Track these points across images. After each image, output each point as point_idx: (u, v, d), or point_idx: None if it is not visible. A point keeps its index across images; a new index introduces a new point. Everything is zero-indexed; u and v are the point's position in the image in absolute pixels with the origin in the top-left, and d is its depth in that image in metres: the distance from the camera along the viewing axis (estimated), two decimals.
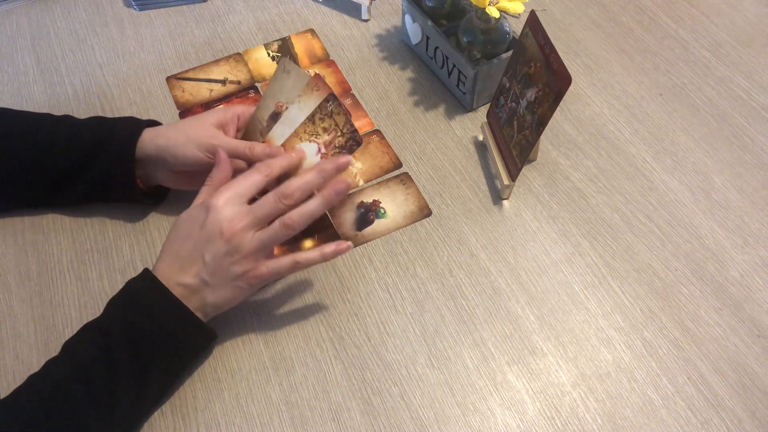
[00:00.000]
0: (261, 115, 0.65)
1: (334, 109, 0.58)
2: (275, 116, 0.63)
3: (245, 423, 0.57)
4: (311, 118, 0.60)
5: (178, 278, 0.55)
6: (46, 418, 0.49)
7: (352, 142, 0.57)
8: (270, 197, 0.56)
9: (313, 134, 0.60)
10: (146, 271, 0.56)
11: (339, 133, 0.58)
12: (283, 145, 0.63)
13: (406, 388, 0.59)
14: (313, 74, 0.61)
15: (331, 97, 0.58)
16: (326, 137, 0.59)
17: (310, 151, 0.60)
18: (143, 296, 0.55)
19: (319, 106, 0.59)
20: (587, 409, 0.58)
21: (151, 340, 0.54)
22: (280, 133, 0.63)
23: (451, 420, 0.57)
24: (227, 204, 0.55)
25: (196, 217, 0.56)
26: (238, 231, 0.54)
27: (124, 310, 0.55)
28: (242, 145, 0.62)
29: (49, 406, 0.50)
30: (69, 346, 0.53)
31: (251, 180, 0.56)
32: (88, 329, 0.54)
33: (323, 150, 0.59)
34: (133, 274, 0.66)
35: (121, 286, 0.65)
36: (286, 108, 0.63)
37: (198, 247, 0.55)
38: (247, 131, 0.66)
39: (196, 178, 0.67)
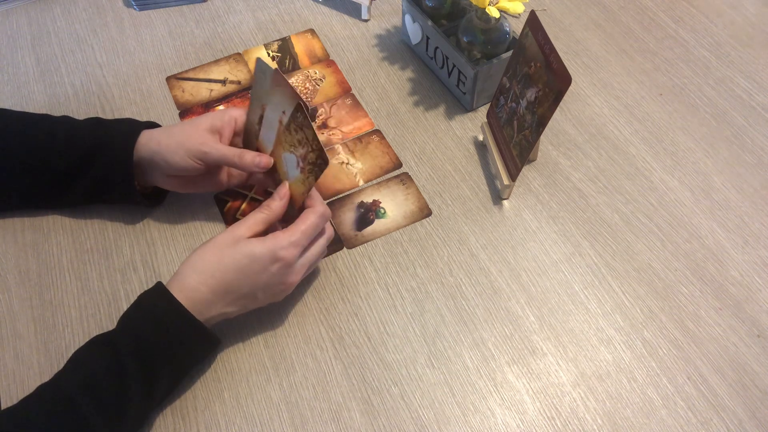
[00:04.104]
0: (252, 119, 0.65)
1: (303, 121, 0.57)
2: (263, 119, 0.63)
3: (245, 423, 0.57)
4: (288, 127, 0.59)
5: (222, 308, 0.57)
6: (56, 429, 0.49)
7: (321, 161, 0.56)
8: (323, 242, 0.60)
9: (291, 144, 0.59)
10: (160, 285, 0.56)
11: (310, 148, 0.57)
12: (272, 152, 0.62)
13: (406, 388, 0.59)
14: (273, 69, 0.60)
15: (300, 107, 0.57)
16: (302, 150, 0.58)
17: (291, 163, 0.60)
18: (159, 314, 0.54)
19: (293, 116, 0.58)
20: (587, 409, 0.58)
21: (160, 353, 0.54)
22: (266, 137, 0.63)
23: (451, 420, 0.57)
24: (297, 258, 0.58)
25: (263, 264, 0.56)
26: (296, 280, 0.59)
27: (137, 325, 0.55)
28: (231, 153, 0.62)
29: (59, 418, 0.49)
30: (79, 358, 0.53)
31: (311, 224, 0.58)
32: (99, 343, 0.54)
33: (301, 163, 0.59)
34: (133, 274, 0.66)
35: (121, 286, 0.65)
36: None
37: (256, 287, 0.57)
38: (246, 135, 0.66)
39: (192, 182, 0.67)
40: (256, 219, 0.58)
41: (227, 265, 0.55)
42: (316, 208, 0.59)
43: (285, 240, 0.56)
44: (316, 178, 0.57)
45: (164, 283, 0.56)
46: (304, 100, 0.59)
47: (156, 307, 0.55)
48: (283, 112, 0.59)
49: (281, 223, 0.61)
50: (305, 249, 0.58)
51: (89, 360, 0.53)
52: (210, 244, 0.57)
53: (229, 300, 0.57)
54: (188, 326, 0.54)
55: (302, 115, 0.56)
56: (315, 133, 0.56)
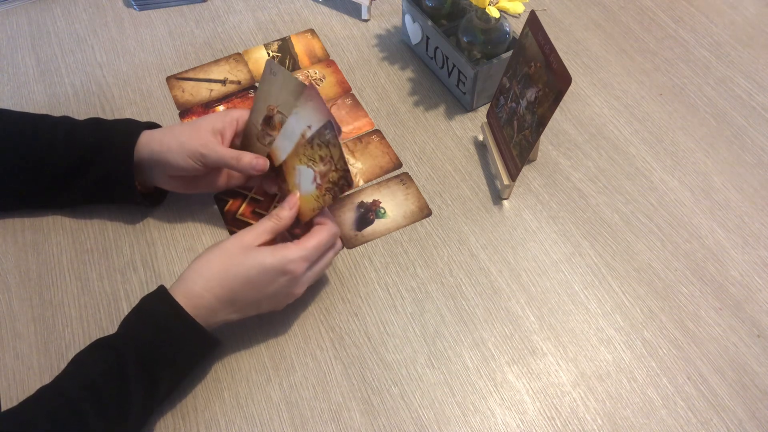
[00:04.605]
0: (255, 119, 0.64)
1: (332, 139, 0.56)
2: (268, 120, 0.63)
3: (245, 423, 0.57)
4: (311, 141, 0.59)
5: (225, 316, 0.56)
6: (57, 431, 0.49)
7: (344, 182, 0.56)
8: (331, 255, 0.60)
9: (311, 159, 0.59)
10: (162, 289, 0.56)
11: (333, 168, 0.57)
12: (284, 161, 0.62)
13: (406, 388, 0.59)
14: (307, 83, 0.59)
15: (329, 125, 0.56)
16: (322, 167, 0.58)
17: (307, 177, 0.60)
18: (161, 318, 0.54)
19: (319, 132, 0.58)
20: (587, 409, 0.58)
21: (162, 356, 0.54)
22: (281, 145, 0.62)
23: (451, 420, 0.57)
24: (305, 272, 0.58)
25: (271, 276, 0.56)
26: (301, 291, 0.59)
27: (139, 330, 0.55)
28: (229, 155, 0.62)
29: (60, 421, 0.49)
30: (80, 361, 0.53)
31: (322, 240, 0.58)
32: (100, 346, 0.54)
33: (318, 180, 0.58)
34: (133, 274, 0.66)
35: (121, 286, 0.65)
36: (278, 112, 0.62)
37: (261, 297, 0.57)
38: (245, 136, 0.66)
39: (192, 183, 0.67)
40: (265, 228, 0.58)
41: (235, 274, 0.55)
42: (329, 226, 0.59)
43: (295, 254, 0.56)
44: (334, 197, 0.57)
45: (167, 286, 0.56)
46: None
47: (158, 311, 0.55)
48: (309, 127, 0.58)
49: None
50: (313, 263, 0.58)
51: (90, 363, 0.53)
52: (217, 250, 0.57)
53: (234, 308, 0.57)
54: (190, 330, 0.54)
55: (331, 133, 0.56)
56: (342, 154, 0.55)
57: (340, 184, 0.56)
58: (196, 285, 0.55)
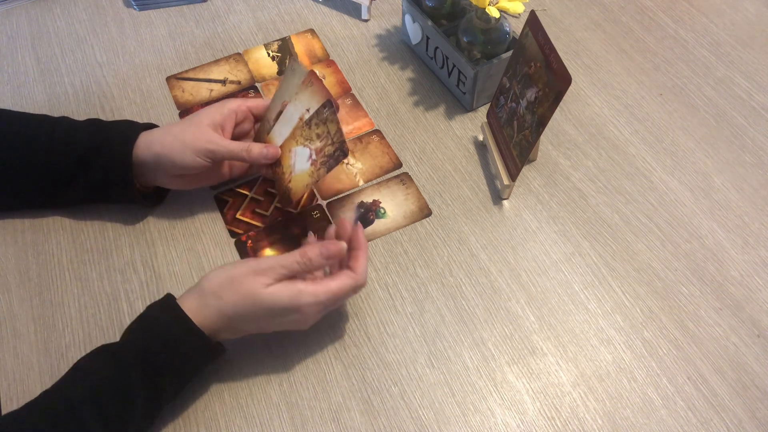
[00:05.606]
0: (269, 116, 0.65)
1: (329, 116, 0.57)
2: (280, 115, 0.64)
3: (245, 423, 0.57)
4: (308, 123, 0.59)
5: (230, 335, 0.56)
6: None
7: (339, 153, 0.56)
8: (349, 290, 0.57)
9: (308, 139, 0.59)
10: (169, 298, 0.55)
11: (329, 141, 0.57)
12: (281, 145, 0.63)
13: (406, 388, 0.59)
14: (309, 70, 0.60)
15: (328, 104, 0.57)
16: (318, 144, 0.58)
17: (302, 157, 0.60)
18: (166, 328, 0.53)
19: (317, 111, 0.58)
20: (587, 409, 0.58)
21: (167, 367, 0.53)
22: (279, 131, 0.63)
23: (451, 420, 0.57)
24: (318, 313, 0.56)
25: (284, 313, 0.54)
26: (310, 325, 0.57)
27: (143, 338, 0.54)
28: (239, 148, 0.62)
29: (61, 428, 0.49)
30: (83, 368, 0.52)
31: (343, 291, 0.56)
32: (103, 353, 0.53)
33: (314, 156, 0.59)
34: (133, 274, 0.66)
35: (121, 286, 0.65)
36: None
37: (269, 327, 0.56)
38: (258, 132, 0.67)
39: (195, 179, 0.67)
40: (286, 265, 0.54)
41: (246, 314, 0.54)
42: (358, 278, 0.56)
43: (311, 297, 0.54)
44: (329, 170, 0.58)
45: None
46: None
47: (164, 321, 0.54)
48: (307, 110, 0.59)
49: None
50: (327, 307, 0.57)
51: (94, 370, 0.52)
52: (232, 288, 0.54)
53: (240, 333, 0.56)
54: (196, 341, 0.54)
55: (329, 110, 0.57)
56: (340, 127, 0.57)
57: (335, 155, 0.57)
58: (204, 310, 0.54)
